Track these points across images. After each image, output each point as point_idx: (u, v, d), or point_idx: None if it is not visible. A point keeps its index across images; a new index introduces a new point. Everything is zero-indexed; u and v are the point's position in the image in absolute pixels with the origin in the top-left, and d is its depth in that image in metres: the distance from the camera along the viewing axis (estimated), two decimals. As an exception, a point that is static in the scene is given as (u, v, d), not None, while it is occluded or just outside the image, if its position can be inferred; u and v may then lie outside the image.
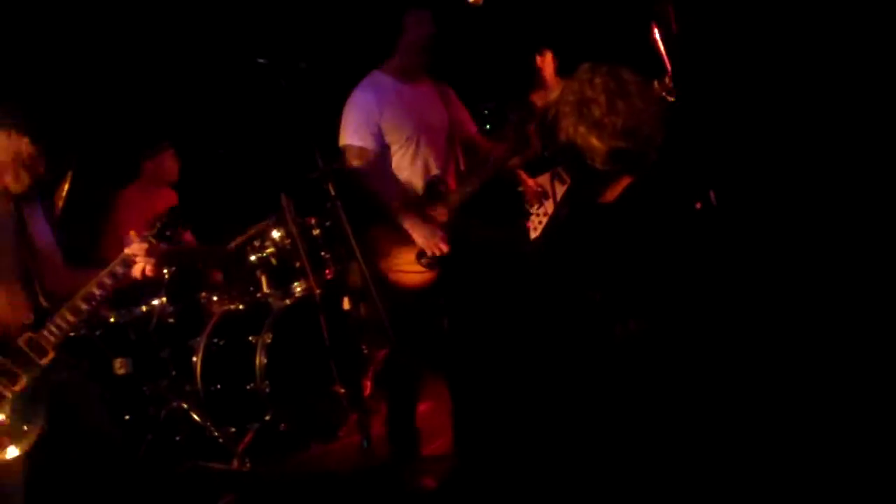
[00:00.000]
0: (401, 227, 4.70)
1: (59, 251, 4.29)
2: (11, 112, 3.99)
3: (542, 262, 2.85)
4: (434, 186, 4.84)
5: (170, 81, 6.91)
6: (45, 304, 4.05)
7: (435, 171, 4.89)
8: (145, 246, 4.01)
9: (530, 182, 5.89)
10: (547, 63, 6.41)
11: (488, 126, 6.18)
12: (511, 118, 5.81)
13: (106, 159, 6.37)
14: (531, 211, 6.03)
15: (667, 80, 4.17)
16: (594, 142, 2.69)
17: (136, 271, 4.02)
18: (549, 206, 6.09)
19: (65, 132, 4.23)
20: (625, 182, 2.76)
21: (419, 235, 4.71)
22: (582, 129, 2.69)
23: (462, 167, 5.04)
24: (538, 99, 6.32)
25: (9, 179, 3.96)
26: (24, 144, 3.94)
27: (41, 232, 4.20)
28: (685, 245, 2.65)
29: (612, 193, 2.76)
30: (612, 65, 2.74)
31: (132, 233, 4.05)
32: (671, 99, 3.93)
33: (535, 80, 6.36)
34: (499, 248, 5.44)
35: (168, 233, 4.09)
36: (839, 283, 3.58)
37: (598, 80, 2.70)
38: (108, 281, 4.02)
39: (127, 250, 4.04)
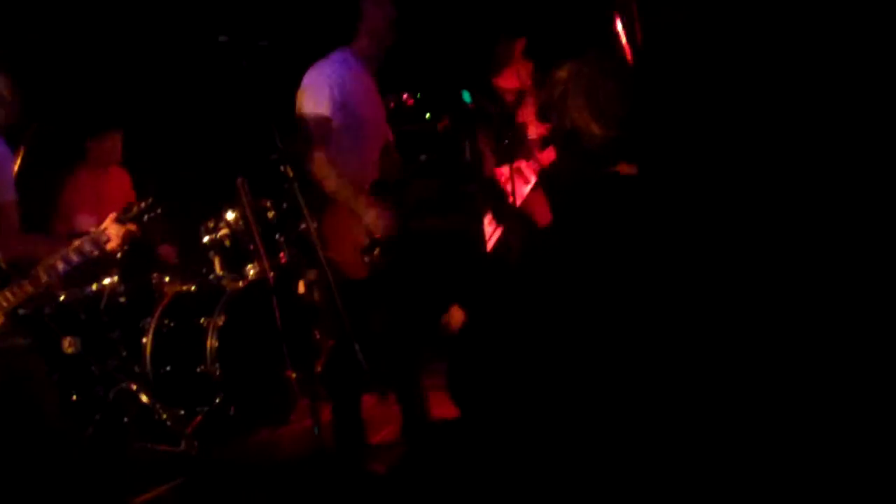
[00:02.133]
0: (352, 203, 4.65)
1: (19, 211, 4.25)
2: None
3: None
4: (383, 182, 4.84)
5: (128, 59, 6.83)
6: (3, 266, 4.02)
7: (376, 162, 4.89)
8: (122, 230, 4.05)
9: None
10: (518, 48, 6.40)
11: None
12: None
13: (55, 139, 6.30)
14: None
15: None
16: (594, 128, 2.74)
17: (109, 246, 4.06)
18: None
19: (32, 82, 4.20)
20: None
21: (369, 215, 4.66)
22: (586, 114, 2.74)
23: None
24: (503, 82, 6.33)
25: None
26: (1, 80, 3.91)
27: (5, 188, 4.15)
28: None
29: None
30: (615, 52, 2.82)
31: (112, 215, 4.09)
32: None
33: (495, 63, 6.36)
34: (447, 237, 5.44)
35: (144, 218, 4.15)
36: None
37: (608, 66, 2.76)
38: (74, 257, 4.03)
39: (101, 231, 4.05)
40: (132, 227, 4.18)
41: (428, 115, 5.92)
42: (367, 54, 4.87)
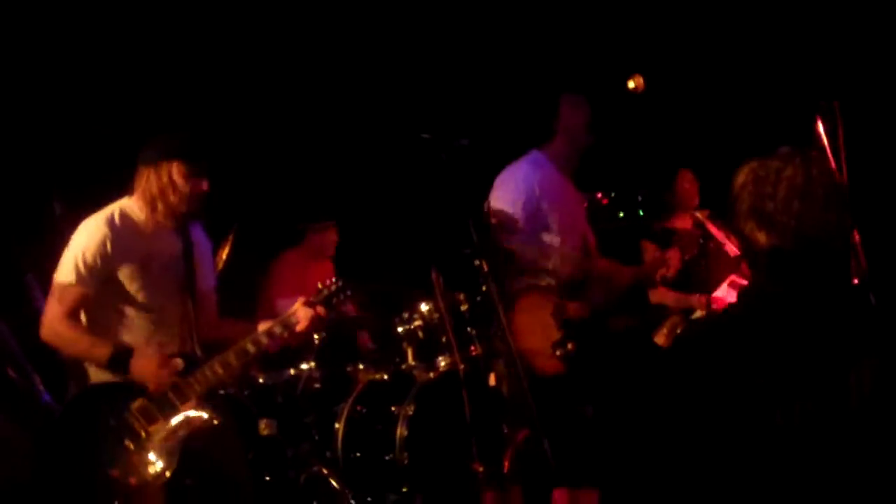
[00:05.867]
0: (542, 261, 4.74)
1: (217, 299, 4.45)
2: (157, 143, 4.15)
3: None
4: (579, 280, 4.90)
5: (331, 151, 7.11)
6: (199, 352, 4.19)
7: (576, 262, 4.95)
8: (311, 313, 4.18)
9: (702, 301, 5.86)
10: (687, 181, 6.44)
11: (641, 212, 6.17)
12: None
13: (266, 225, 6.56)
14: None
15: None
16: (759, 236, 2.60)
17: (298, 328, 4.18)
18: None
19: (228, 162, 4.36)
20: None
21: (568, 265, 4.76)
22: (752, 222, 2.61)
23: None
24: (675, 222, 6.35)
25: (160, 211, 4.12)
26: (173, 169, 4.09)
27: (206, 276, 4.35)
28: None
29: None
30: (809, 156, 2.61)
31: (301, 298, 4.22)
32: None
33: (669, 202, 6.40)
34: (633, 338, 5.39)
35: (334, 301, 4.26)
36: None
37: (786, 174, 2.59)
38: (264, 340, 4.16)
39: (291, 314, 4.19)
40: (321, 310, 4.29)
41: (622, 213, 5.93)
42: (561, 156, 4.97)
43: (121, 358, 3.92)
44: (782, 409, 2.47)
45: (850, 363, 2.49)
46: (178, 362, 4.02)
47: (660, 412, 2.72)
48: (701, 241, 5.88)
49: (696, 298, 6.05)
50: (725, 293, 6.09)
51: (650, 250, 6.10)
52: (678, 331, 5.13)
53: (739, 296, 2.91)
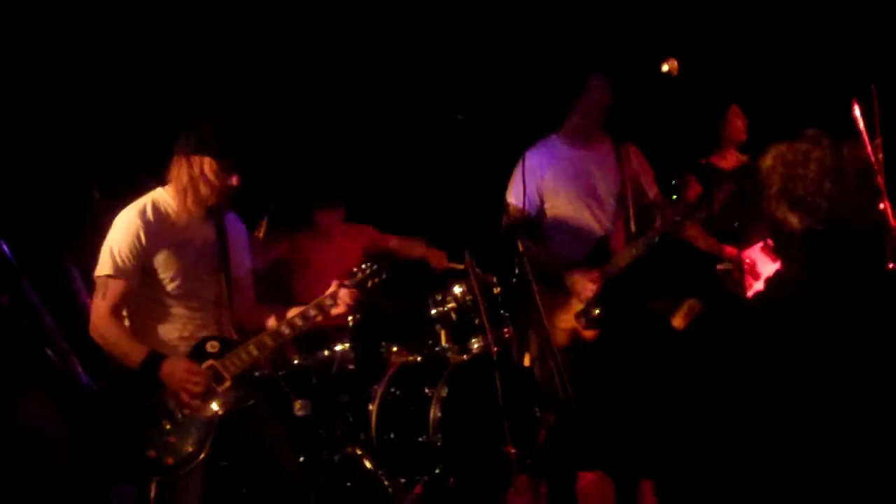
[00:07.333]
0: (552, 275, 4.84)
1: (253, 283, 4.48)
2: (191, 136, 4.16)
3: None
4: (599, 248, 4.92)
5: (364, 133, 7.11)
6: (234, 336, 4.23)
7: (598, 233, 4.96)
8: (347, 295, 4.20)
9: (733, 253, 5.75)
10: (739, 117, 6.31)
11: (674, 196, 6.11)
12: (678, 184, 5.79)
13: (288, 209, 6.56)
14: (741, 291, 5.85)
15: None
16: (792, 219, 2.58)
17: (334, 312, 4.20)
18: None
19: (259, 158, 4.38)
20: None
21: (569, 280, 4.86)
22: (783, 205, 2.58)
23: (633, 229, 5.07)
24: (720, 160, 6.24)
25: (190, 201, 4.15)
26: (204, 164, 4.11)
27: (241, 261, 4.38)
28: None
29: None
30: (838, 138, 2.59)
31: (336, 281, 4.24)
32: None
33: (718, 139, 6.28)
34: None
35: (368, 284, 4.27)
36: None
37: (815, 155, 2.57)
38: (299, 322, 4.19)
39: (326, 297, 4.21)
40: (356, 293, 4.30)
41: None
42: (581, 130, 5.03)
43: (152, 363, 3.95)
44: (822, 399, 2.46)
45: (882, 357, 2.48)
46: (210, 366, 4.06)
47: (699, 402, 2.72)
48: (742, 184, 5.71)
49: (728, 249, 5.85)
50: (758, 257, 5.97)
51: (693, 186, 6.03)
52: (695, 314, 5.07)
53: (771, 284, 2.90)
